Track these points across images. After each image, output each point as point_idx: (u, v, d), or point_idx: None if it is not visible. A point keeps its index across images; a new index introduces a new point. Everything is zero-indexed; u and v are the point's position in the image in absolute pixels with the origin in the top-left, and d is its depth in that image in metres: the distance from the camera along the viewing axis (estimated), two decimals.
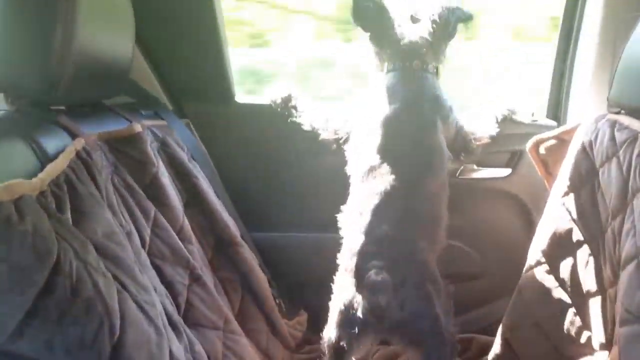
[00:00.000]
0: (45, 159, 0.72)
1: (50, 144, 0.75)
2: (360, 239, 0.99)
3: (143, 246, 0.89)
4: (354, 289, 0.95)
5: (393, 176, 1.01)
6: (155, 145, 1.06)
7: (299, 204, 1.43)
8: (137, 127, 0.98)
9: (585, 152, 0.99)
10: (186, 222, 1.05)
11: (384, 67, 1.14)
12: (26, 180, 0.61)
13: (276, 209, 1.43)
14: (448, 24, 1.09)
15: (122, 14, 0.95)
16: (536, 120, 1.34)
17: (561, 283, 0.98)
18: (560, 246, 0.99)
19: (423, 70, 1.11)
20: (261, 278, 1.22)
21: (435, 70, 1.14)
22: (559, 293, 0.98)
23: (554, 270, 1.00)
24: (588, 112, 1.16)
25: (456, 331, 0.99)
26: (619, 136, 0.91)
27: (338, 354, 0.98)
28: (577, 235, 0.96)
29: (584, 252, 0.94)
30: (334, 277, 1.37)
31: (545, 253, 1.03)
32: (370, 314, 0.91)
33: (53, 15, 0.73)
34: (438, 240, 1.02)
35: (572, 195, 0.99)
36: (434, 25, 1.09)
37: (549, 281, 1.00)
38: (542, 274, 1.02)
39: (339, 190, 1.40)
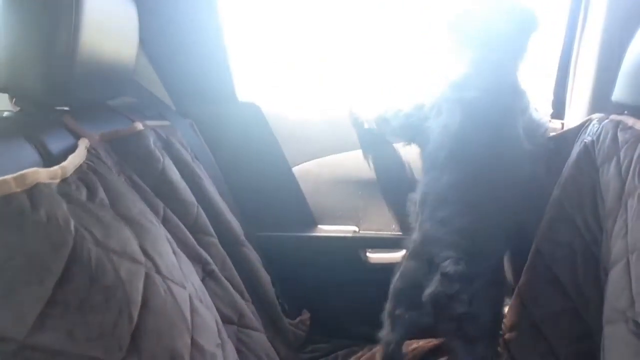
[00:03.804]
0: (49, 160, 0.72)
1: (55, 144, 0.75)
2: (439, 228, 0.98)
3: None
4: (420, 276, 0.95)
5: (474, 166, 1.00)
6: (159, 145, 1.06)
7: (303, 204, 1.43)
8: (139, 126, 0.99)
9: (588, 152, 0.99)
10: (201, 212, 1.05)
11: (462, 56, 1.12)
12: (43, 169, 0.61)
13: (279, 209, 1.43)
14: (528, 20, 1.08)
15: (126, 15, 0.95)
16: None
17: (560, 284, 0.97)
18: (561, 247, 0.99)
19: (502, 62, 1.09)
20: (264, 278, 1.23)
21: (515, 63, 1.11)
22: (557, 294, 0.98)
23: (553, 271, 1.00)
24: (592, 112, 1.16)
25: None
26: (622, 136, 0.90)
27: (391, 343, 0.99)
28: (578, 236, 0.96)
29: (584, 253, 0.94)
30: (337, 276, 1.39)
31: (546, 253, 1.03)
32: (434, 304, 0.90)
33: (58, 16, 0.74)
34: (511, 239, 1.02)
35: (573, 195, 0.99)
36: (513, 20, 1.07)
37: (548, 282, 1.00)
38: (541, 275, 1.02)
39: (344, 190, 1.41)
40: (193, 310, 0.75)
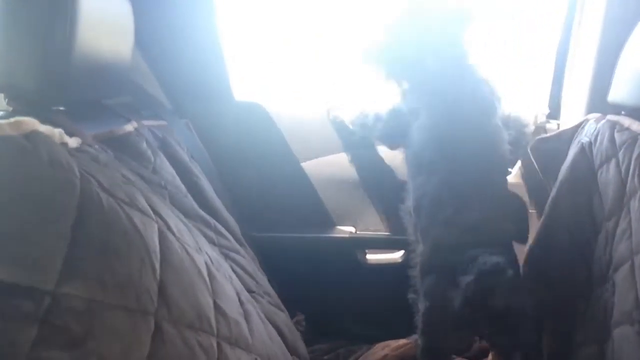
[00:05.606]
0: None
1: None
2: (444, 230, 0.97)
3: None
4: (447, 287, 0.91)
5: (459, 161, 1.00)
6: (155, 144, 1.05)
7: (298, 204, 1.43)
8: (132, 125, 0.98)
9: (585, 153, 0.99)
10: (205, 199, 1.05)
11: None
12: (40, 124, 0.57)
13: (275, 209, 1.43)
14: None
15: (121, 14, 0.95)
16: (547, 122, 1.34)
17: (555, 285, 0.98)
18: (556, 248, 0.99)
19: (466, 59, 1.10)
20: (260, 278, 1.22)
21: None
22: (551, 295, 0.98)
23: (548, 273, 1.00)
24: (588, 112, 1.17)
25: None
26: (619, 137, 0.90)
27: (433, 356, 0.98)
28: (572, 237, 0.96)
29: (577, 255, 0.94)
30: (335, 277, 1.38)
31: (541, 254, 1.03)
32: (473, 306, 0.87)
33: (53, 15, 0.73)
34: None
35: (570, 196, 0.99)
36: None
37: (543, 283, 1.00)
38: (536, 276, 1.02)
39: (341, 190, 1.41)
40: (211, 275, 0.71)
